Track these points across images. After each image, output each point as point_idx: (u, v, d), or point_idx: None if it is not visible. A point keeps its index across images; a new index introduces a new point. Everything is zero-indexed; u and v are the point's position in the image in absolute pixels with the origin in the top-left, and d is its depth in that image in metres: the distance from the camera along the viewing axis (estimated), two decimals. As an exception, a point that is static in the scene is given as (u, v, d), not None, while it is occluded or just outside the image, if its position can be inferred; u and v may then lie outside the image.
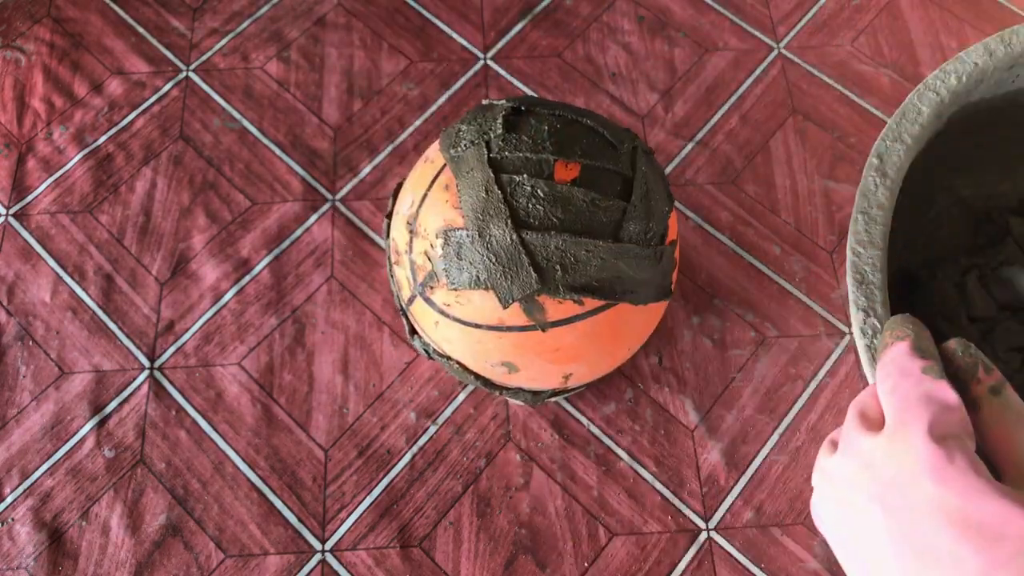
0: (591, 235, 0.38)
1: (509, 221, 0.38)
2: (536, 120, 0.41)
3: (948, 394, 0.27)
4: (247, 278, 0.62)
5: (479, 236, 0.39)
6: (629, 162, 0.41)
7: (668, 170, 0.66)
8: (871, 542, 0.27)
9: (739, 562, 0.54)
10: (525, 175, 0.39)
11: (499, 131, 0.40)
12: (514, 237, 0.38)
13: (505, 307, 0.39)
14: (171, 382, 0.59)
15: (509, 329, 0.41)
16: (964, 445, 0.26)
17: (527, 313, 0.40)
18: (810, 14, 0.74)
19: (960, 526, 0.25)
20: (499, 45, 0.72)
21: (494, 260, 0.39)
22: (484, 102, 0.44)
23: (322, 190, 0.65)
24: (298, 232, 0.64)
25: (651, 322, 0.48)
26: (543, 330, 0.41)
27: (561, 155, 0.39)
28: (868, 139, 0.68)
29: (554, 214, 0.38)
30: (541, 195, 0.38)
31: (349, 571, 0.53)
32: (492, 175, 0.39)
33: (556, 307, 0.40)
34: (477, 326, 0.42)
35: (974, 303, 0.54)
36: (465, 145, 0.41)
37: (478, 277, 0.39)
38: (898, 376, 0.28)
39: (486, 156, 0.40)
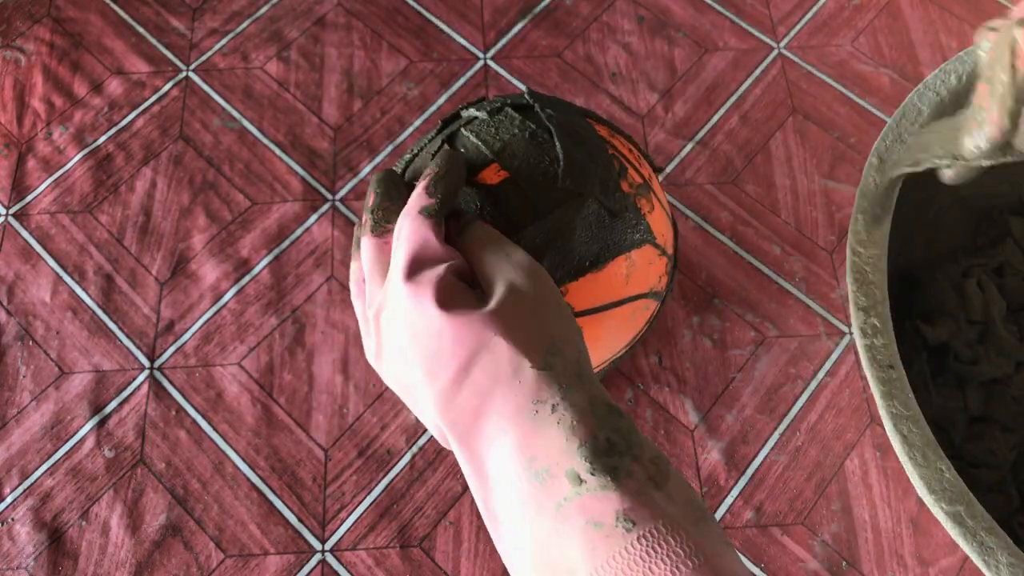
0: None
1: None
2: (522, 117, 0.40)
3: (427, 232, 0.30)
4: (247, 278, 0.62)
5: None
6: (549, 200, 0.38)
7: (668, 170, 0.67)
8: (397, 380, 0.30)
9: (739, 562, 0.54)
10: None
11: (483, 115, 0.40)
12: None
13: None
14: (171, 382, 0.59)
15: None
16: (434, 274, 0.29)
17: None
18: (810, 14, 0.74)
19: (425, 351, 0.28)
20: (499, 45, 0.72)
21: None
22: (526, 90, 0.43)
23: (322, 190, 0.65)
24: (298, 232, 0.64)
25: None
26: None
27: (499, 159, 0.38)
28: (868, 139, 0.68)
29: None
30: None
31: (349, 571, 0.53)
32: (440, 144, 0.39)
33: None
34: None
35: (972, 306, 0.54)
36: (464, 113, 0.41)
37: None
38: (402, 219, 0.31)
39: (455, 129, 0.40)
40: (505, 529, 0.26)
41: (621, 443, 0.26)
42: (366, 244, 0.33)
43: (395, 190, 0.34)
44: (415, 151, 0.41)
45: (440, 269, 0.29)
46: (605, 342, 0.43)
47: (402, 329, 0.29)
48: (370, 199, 0.34)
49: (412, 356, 0.28)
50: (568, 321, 0.30)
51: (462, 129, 0.40)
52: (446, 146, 0.38)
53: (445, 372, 0.27)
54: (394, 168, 0.41)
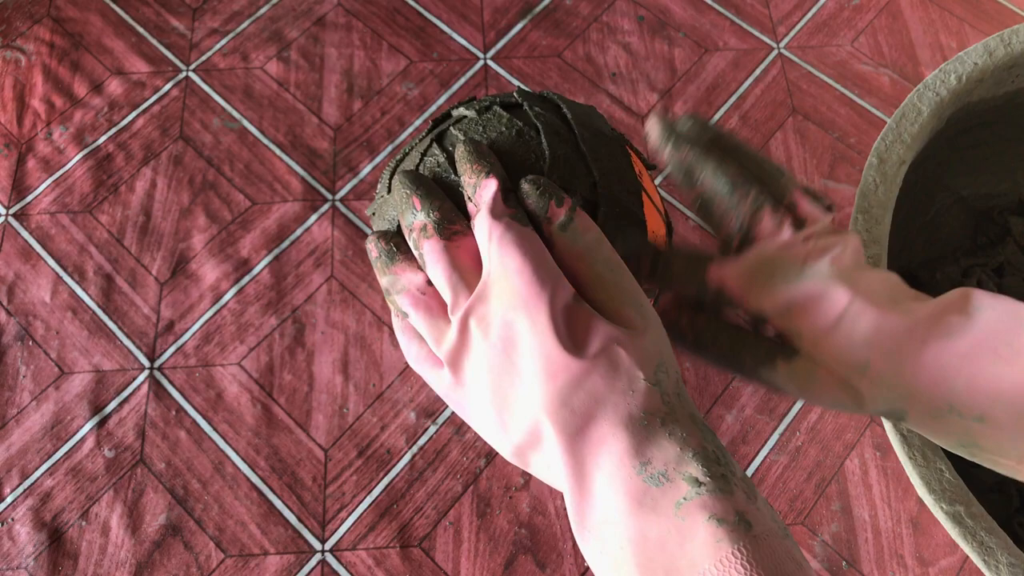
0: None
1: None
2: (509, 115, 0.40)
3: (532, 239, 0.30)
4: (247, 278, 0.62)
5: (387, 193, 0.39)
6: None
7: (668, 170, 0.66)
8: (491, 381, 0.30)
9: (739, 562, 0.54)
10: (445, 156, 0.39)
11: (471, 113, 0.40)
12: None
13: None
14: (171, 382, 0.59)
15: None
16: (555, 283, 0.29)
17: None
18: (810, 14, 0.74)
19: (543, 352, 0.28)
20: (499, 45, 0.72)
21: (388, 223, 0.39)
22: (518, 90, 0.43)
23: (322, 190, 0.65)
24: (298, 232, 0.64)
25: None
26: None
27: None
28: (868, 139, 0.68)
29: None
30: (441, 176, 0.38)
31: (349, 571, 0.53)
32: (428, 144, 0.39)
33: None
34: None
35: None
36: (454, 112, 0.41)
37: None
38: (491, 223, 0.30)
39: (444, 128, 0.40)
40: (607, 530, 0.27)
41: (722, 458, 0.28)
42: (436, 249, 0.31)
43: (433, 189, 0.33)
44: (406, 151, 0.41)
45: (557, 274, 0.29)
46: None
47: (519, 330, 0.29)
48: (415, 202, 0.32)
49: (527, 356, 0.28)
50: (668, 343, 0.31)
51: (451, 128, 0.40)
52: (434, 146, 0.38)
53: (567, 372, 0.28)
54: (388, 167, 0.40)
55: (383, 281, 0.34)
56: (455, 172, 0.36)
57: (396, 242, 0.34)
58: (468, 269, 0.31)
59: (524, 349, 0.28)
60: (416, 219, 0.32)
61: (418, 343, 0.33)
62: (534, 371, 0.28)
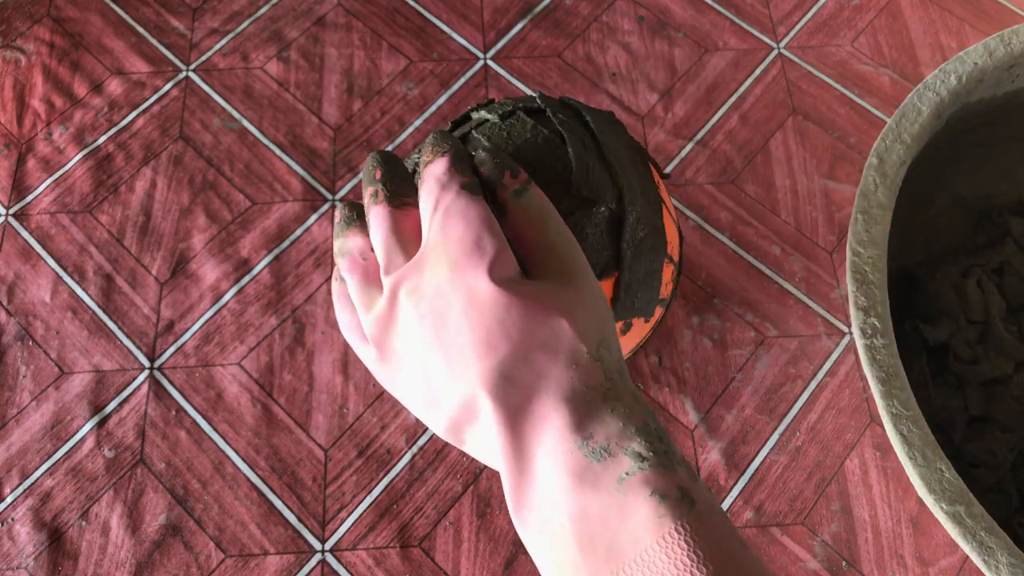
0: None
1: None
2: (534, 121, 0.40)
3: (484, 211, 0.29)
4: (247, 278, 0.62)
5: None
6: (561, 206, 0.36)
7: (668, 170, 0.66)
8: (421, 354, 0.29)
9: (739, 562, 0.54)
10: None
11: (494, 118, 0.40)
12: None
13: None
14: (171, 382, 0.59)
15: None
16: (499, 252, 0.28)
17: None
18: (810, 14, 0.74)
19: (482, 322, 0.27)
20: (499, 45, 0.72)
21: None
22: (537, 95, 0.42)
23: (322, 190, 0.65)
24: (298, 232, 0.64)
25: None
26: None
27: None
28: (868, 139, 0.68)
29: None
30: None
31: (349, 571, 0.53)
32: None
33: None
34: None
35: (972, 306, 0.54)
36: (474, 115, 0.41)
37: None
38: (439, 192, 0.29)
39: (467, 131, 0.40)
40: (547, 509, 0.26)
41: (664, 437, 0.27)
42: (381, 214, 0.31)
43: (399, 166, 0.33)
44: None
45: (503, 245, 0.29)
46: None
47: (453, 300, 0.28)
48: (376, 173, 0.32)
49: (464, 327, 0.27)
50: (612, 320, 0.30)
51: (473, 131, 0.39)
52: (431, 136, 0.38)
53: (508, 344, 0.27)
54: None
55: (335, 245, 0.33)
56: (477, 173, 0.36)
57: (359, 210, 0.33)
58: (409, 238, 0.30)
59: (459, 321, 0.27)
60: (371, 186, 0.32)
61: (350, 311, 0.32)
62: (470, 344, 0.27)
